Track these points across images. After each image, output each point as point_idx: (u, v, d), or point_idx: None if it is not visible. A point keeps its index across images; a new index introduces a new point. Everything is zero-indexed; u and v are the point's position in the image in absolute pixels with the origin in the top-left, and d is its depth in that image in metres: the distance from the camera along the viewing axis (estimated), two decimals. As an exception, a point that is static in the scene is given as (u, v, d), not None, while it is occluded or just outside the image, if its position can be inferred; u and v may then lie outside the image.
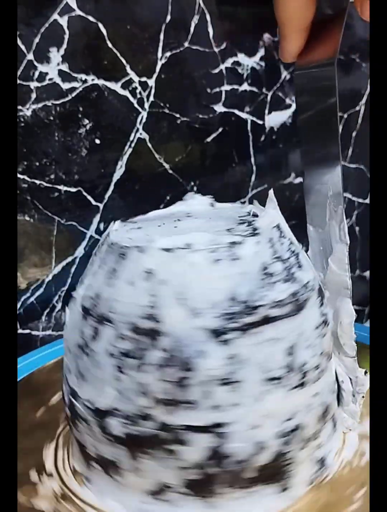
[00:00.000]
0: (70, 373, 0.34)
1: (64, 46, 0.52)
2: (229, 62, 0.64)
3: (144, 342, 0.30)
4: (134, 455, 0.32)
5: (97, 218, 0.58)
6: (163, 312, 0.30)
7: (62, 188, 0.55)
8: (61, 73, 0.52)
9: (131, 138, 0.58)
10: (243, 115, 0.67)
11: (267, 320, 0.31)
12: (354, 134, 0.79)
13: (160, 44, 0.58)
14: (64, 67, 0.52)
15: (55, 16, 0.51)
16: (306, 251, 0.36)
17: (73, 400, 0.34)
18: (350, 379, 0.37)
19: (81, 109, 0.54)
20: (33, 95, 0.51)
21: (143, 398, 0.31)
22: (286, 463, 0.32)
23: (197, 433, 0.31)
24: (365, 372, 0.37)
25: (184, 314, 0.30)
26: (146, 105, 0.58)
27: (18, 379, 0.45)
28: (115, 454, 0.33)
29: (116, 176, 0.58)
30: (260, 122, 0.68)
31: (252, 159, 0.69)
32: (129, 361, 0.31)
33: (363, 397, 0.38)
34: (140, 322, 0.30)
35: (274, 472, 0.32)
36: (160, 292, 0.30)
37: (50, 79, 0.51)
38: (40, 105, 0.52)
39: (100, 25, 0.54)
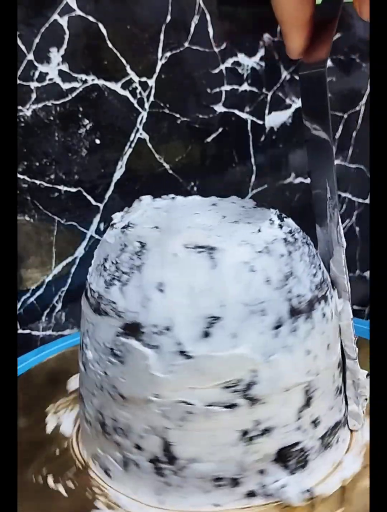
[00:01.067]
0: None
1: (64, 46, 0.52)
2: (229, 62, 0.64)
3: None
4: None
5: (97, 218, 0.58)
6: None
7: (62, 188, 0.55)
8: (61, 73, 0.52)
9: (131, 138, 0.58)
10: (243, 115, 0.67)
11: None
12: (354, 134, 0.79)
13: (160, 44, 0.58)
14: (64, 67, 0.52)
15: (55, 16, 0.51)
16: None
17: None
18: (352, 381, 0.37)
19: (81, 109, 0.54)
20: (33, 95, 0.51)
21: None
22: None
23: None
24: (367, 375, 0.37)
25: None
26: (146, 105, 0.58)
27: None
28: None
29: (116, 176, 0.58)
30: (260, 122, 0.69)
31: (252, 159, 0.69)
32: None
33: (366, 399, 0.38)
34: None
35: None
36: None
37: (50, 79, 0.52)
38: (40, 105, 0.52)
39: (100, 25, 0.54)
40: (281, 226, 0.34)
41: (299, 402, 0.33)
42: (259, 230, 0.33)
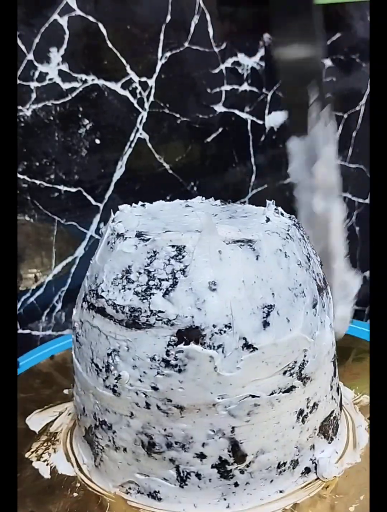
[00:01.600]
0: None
1: (64, 46, 0.52)
2: (229, 62, 0.64)
3: None
4: None
5: (97, 218, 0.58)
6: None
7: (62, 188, 0.55)
8: (61, 73, 0.52)
9: (131, 138, 0.58)
10: (243, 115, 0.67)
11: None
12: (354, 134, 0.79)
13: (160, 44, 0.58)
14: (64, 67, 0.52)
15: (55, 16, 0.51)
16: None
17: None
18: (340, 282, 0.38)
19: (81, 109, 0.54)
20: (33, 95, 0.51)
21: None
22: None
23: None
24: (355, 274, 0.38)
25: None
26: (146, 105, 0.58)
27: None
28: None
29: (116, 176, 0.58)
30: (260, 122, 0.68)
31: (252, 159, 0.69)
32: None
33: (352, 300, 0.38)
34: None
35: None
36: None
37: (50, 79, 0.51)
38: (40, 105, 0.52)
39: (100, 25, 0.54)
40: (282, 214, 0.35)
41: (330, 373, 0.35)
42: (268, 220, 0.34)
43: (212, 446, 0.32)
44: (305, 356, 0.32)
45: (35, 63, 0.50)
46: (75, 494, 0.34)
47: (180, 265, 0.31)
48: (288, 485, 0.34)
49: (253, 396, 0.31)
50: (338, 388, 0.37)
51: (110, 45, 0.55)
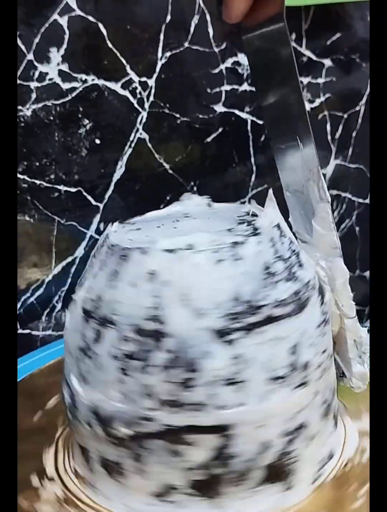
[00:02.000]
0: (72, 377, 0.34)
1: (64, 46, 0.52)
2: (229, 62, 0.64)
3: (148, 343, 0.30)
4: (138, 457, 0.32)
5: (97, 218, 0.58)
6: (167, 313, 0.30)
7: (62, 188, 0.55)
8: (61, 73, 0.52)
9: (131, 138, 0.58)
10: (243, 115, 0.67)
11: (270, 319, 0.31)
12: (354, 134, 0.79)
13: (160, 44, 0.58)
14: (64, 67, 0.52)
15: (55, 16, 0.51)
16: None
17: (75, 403, 0.34)
18: (354, 340, 0.37)
19: (81, 109, 0.54)
20: (33, 95, 0.51)
21: (148, 399, 0.31)
22: (291, 462, 0.33)
23: (202, 434, 0.31)
24: (368, 330, 0.37)
25: (188, 315, 0.30)
26: (146, 105, 0.58)
27: (18, 379, 0.45)
28: (119, 457, 0.32)
29: (116, 176, 0.58)
30: (260, 122, 0.68)
31: (252, 159, 0.69)
32: (134, 363, 0.31)
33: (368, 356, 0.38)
34: (144, 323, 0.30)
35: (279, 471, 0.32)
36: (163, 293, 0.30)
37: (50, 79, 0.51)
38: (40, 105, 0.52)
39: (100, 25, 0.54)
40: (248, 223, 0.34)
41: None
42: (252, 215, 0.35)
43: None
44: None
45: (35, 63, 0.50)
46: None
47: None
48: None
49: None
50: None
51: (110, 45, 0.55)
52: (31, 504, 0.33)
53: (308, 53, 0.70)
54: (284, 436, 0.32)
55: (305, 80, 0.71)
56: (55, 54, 0.51)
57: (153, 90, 0.58)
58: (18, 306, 0.54)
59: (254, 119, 0.68)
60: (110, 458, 0.33)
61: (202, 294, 0.30)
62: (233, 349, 0.30)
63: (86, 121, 0.55)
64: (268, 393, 0.31)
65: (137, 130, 0.58)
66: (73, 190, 0.55)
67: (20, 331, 0.55)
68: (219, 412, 0.30)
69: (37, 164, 0.53)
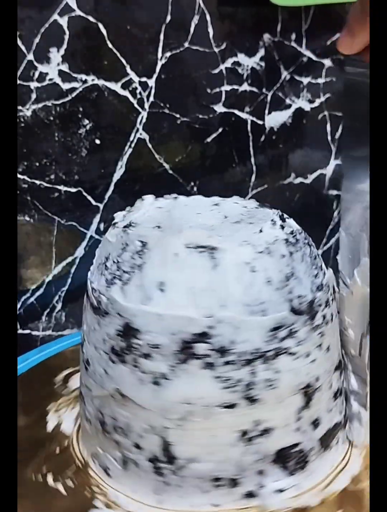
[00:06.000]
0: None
1: (64, 46, 0.52)
2: (229, 62, 0.64)
3: None
4: None
5: (97, 218, 0.58)
6: None
7: (62, 188, 0.55)
8: (61, 73, 0.52)
9: (131, 138, 0.58)
10: (243, 115, 0.67)
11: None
12: (354, 134, 0.79)
13: (160, 44, 0.58)
14: (64, 67, 0.52)
15: (55, 16, 0.51)
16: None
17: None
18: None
19: (81, 109, 0.54)
20: (33, 95, 0.51)
21: None
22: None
23: None
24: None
25: None
26: (146, 105, 0.58)
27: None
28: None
29: (116, 176, 0.58)
30: (260, 122, 0.69)
31: (252, 159, 0.69)
32: None
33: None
34: None
35: None
36: None
37: (50, 79, 0.52)
38: (40, 105, 0.52)
39: (100, 26, 0.54)
40: (282, 227, 0.34)
41: (296, 405, 0.33)
42: (261, 231, 0.33)
43: (146, 440, 0.33)
44: (254, 377, 0.31)
45: (35, 63, 0.50)
46: (57, 451, 0.37)
47: (141, 260, 0.32)
48: (226, 501, 0.33)
49: (187, 403, 0.31)
50: (315, 422, 0.34)
51: (110, 45, 0.55)
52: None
53: (308, 53, 0.70)
54: None
55: (305, 80, 0.71)
56: (55, 54, 0.51)
57: (153, 90, 0.58)
58: (18, 306, 0.54)
59: (254, 119, 0.68)
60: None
61: None
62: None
63: (86, 121, 0.55)
64: None
65: (137, 130, 0.58)
66: (73, 190, 0.56)
67: (20, 331, 0.55)
68: None
69: (37, 164, 0.53)
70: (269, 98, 0.69)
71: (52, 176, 0.54)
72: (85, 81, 0.54)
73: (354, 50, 0.33)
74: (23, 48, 0.49)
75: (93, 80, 0.54)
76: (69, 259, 0.57)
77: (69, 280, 0.57)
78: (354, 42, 0.33)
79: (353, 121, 0.35)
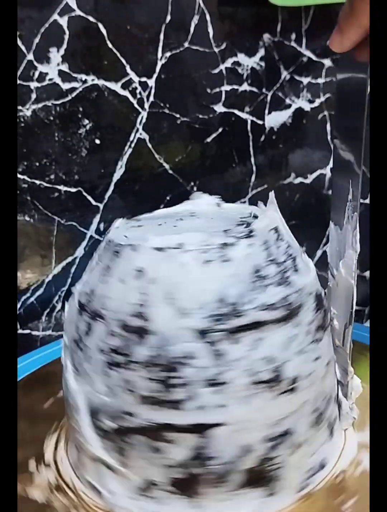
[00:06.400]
0: (67, 367, 0.34)
1: (64, 46, 0.52)
2: (229, 62, 0.64)
3: (132, 339, 0.30)
4: (122, 451, 0.32)
5: (97, 218, 0.58)
6: (152, 311, 0.30)
7: (62, 188, 0.55)
8: (61, 73, 0.52)
9: (131, 138, 0.58)
10: (243, 115, 0.67)
11: (256, 323, 0.30)
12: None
13: (160, 44, 0.58)
14: (64, 67, 0.52)
15: (55, 16, 0.51)
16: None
17: (68, 393, 0.34)
18: (342, 383, 0.37)
19: (81, 109, 0.54)
20: (33, 95, 0.51)
21: (130, 395, 0.31)
22: (274, 468, 0.32)
23: (181, 433, 0.30)
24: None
25: (172, 314, 0.30)
26: (146, 105, 0.58)
27: (18, 379, 0.45)
28: (105, 449, 0.33)
29: (116, 176, 0.58)
30: (260, 122, 0.68)
31: (252, 159, 0.69)
32: (118, 357, 0.31)
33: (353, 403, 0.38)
34: (129, 319, 0.31)
35: (261, 476, 0.32)
36: (149, 290, 0.30)
37: (50, 79, 0.51)
38: (40, 105, 0.52)
39: (100, 26, 0.54)
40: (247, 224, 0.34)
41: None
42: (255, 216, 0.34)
43: None
44: None
45: (35, 63, 0.50)
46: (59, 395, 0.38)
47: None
48: None
49: None
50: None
51: (110, 45, 0.55)
52: (23, 488, 0.34)
53: (308, 53, 0.70)
54: (267, 442, 0.31)
55: (305, 80, 0.71)
56: (55, 54, 0.51)
57: (153, 90, 0.58)
58: (18, 306, 0.54)
59: (254, 119, 0.68)
60: (97, 449, 0.33)
61: (187, 294, 0.30)
62: (215, 350, 0.30)
63: (86, 121, 0.55)
64: (249, 397, 0.30)
65: (137, 130, 0.58)
66: (73, 190, 0.55)
67: (20, 331, 0.55)
68: (198, 412, 0.30)
69: (37, 164, 0.53)
70: (269, 98, 0.68)
71: (52, 176, 0.54)
72: (85, 81, 0.54)
73: (345, 48, 0.33)
74: (23, 48, 0.49)
75: (93, 80, 0.54)
76: (69, 259, 0.57)
77: (69, 280, 0.57)
78: (343, 39, 0.33)
79: (342, 121, 0.35)
